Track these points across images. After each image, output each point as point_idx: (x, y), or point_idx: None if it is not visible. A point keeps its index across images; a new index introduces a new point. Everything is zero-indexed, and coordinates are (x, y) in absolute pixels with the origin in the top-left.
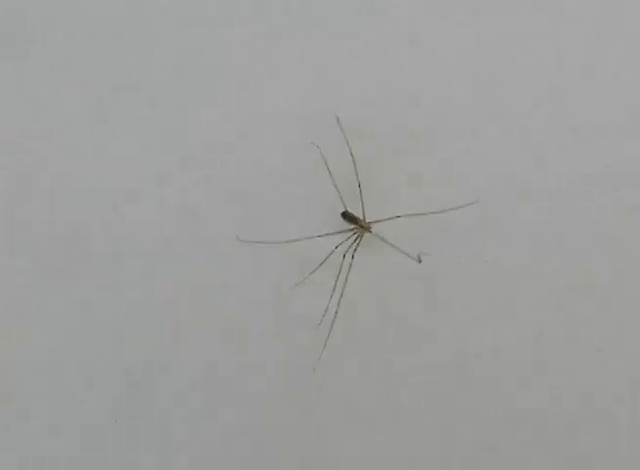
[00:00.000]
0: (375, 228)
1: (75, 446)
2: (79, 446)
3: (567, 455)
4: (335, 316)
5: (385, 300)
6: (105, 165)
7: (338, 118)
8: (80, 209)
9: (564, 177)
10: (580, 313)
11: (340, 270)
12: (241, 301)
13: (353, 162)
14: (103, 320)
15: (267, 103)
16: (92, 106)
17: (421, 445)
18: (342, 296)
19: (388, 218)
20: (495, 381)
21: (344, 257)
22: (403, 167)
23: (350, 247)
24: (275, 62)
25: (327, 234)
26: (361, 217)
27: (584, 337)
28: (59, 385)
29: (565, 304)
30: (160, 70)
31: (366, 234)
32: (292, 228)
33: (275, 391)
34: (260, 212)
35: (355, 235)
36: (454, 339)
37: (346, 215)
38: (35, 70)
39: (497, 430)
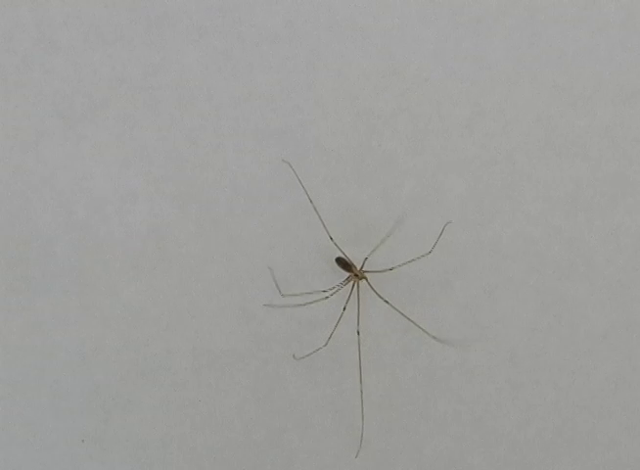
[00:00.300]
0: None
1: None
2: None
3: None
4: (360, 386)
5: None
6: (73, 183)
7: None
8: (46, 225)
9: (547, 194)
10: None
11: (338, 321)
12: (211, 322)
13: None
14: (69, 339)
15: (246, 115)
16: (64, 118)
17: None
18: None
19: (382, 270)
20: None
21: (345, 309)
22: (400, 172)
23: (349, 298)
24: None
25: (319, 291)
26: (356, 264)
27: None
28: (25, 407)
29: (539, 325)
30: (131, 84)
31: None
32: (275, 247)
33: (248, 413)
34: (240, 231)
35: (351, 283)
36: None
37: (341, 262)
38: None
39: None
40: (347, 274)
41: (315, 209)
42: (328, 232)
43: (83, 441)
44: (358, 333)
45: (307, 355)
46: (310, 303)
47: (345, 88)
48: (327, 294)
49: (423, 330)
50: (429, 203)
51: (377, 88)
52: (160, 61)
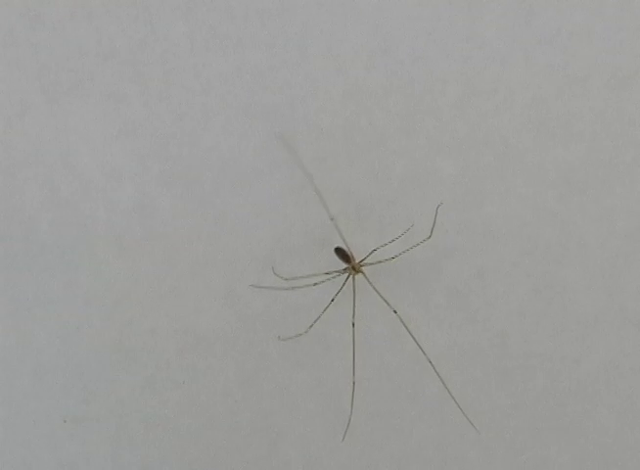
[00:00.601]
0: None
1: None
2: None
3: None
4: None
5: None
6: (57, 159)
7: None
8: (29, 202)
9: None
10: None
11: (323, 311)
12: (196, 302)
13: None
14: (51, 318)
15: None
16: (49, 93)
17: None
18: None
19: (383, 261)
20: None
21: (333, 300)
22: (391, 151)
23: (340, 291)
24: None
25: (312, 275)
26: (354, 256)
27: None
28: (7, 385)
29: (530, 309)
30: (117, 59)
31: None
32: (262, 226)
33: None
34: (227, 209)
35: (346, 274)
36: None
37: (339, 252)
38: None
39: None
40: (343, 264)
41: (316, 188)
42: (329, 212)
43: (65, 421)
44: (353, 325)
45: (288, 339)
46: (297, 287)
47: (336, 65)
48: (315, 280)
49: (420, 348)
50: (419, 183)
51: (368, 66)
52: (147, 35)
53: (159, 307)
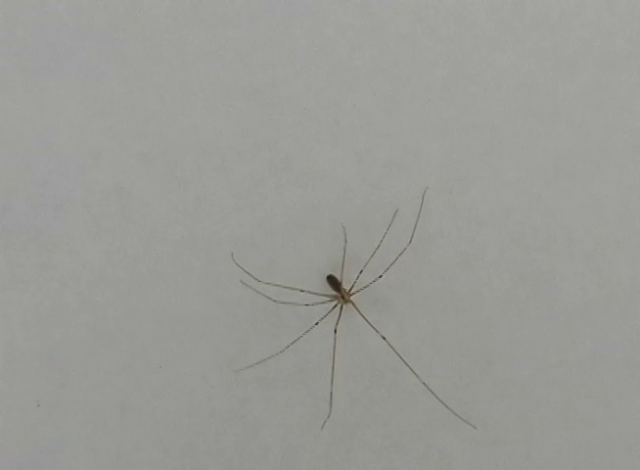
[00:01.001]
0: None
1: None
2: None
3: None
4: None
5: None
6: (33, 137)
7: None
8: (3, 180)
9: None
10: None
11: (304, 333)
12: (174, 285)
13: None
14: (25, 299)
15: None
16: (26, 69)
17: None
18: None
19: (371, 283)
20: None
21: (317, 324)
22: (375, 133)
23: (324, 316)
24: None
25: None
26: (346, 284)
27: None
28: None
29: (515, 297)
30: (96, 35)
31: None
32: (242, 208)
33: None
34: (207, 191)
35: (335, 303)
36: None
37: (330, 280)
38: None
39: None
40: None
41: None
42: (346, 237)
43: (39, 405)
44: (335, 332)
45: (258, 363)
46: (286, 303)
47: (321, 45)
48: (306, 300)
49: (413, 372)
50: (404, 167)
51: (353, 46)
52: (128, 11)
53: (136, 290)
